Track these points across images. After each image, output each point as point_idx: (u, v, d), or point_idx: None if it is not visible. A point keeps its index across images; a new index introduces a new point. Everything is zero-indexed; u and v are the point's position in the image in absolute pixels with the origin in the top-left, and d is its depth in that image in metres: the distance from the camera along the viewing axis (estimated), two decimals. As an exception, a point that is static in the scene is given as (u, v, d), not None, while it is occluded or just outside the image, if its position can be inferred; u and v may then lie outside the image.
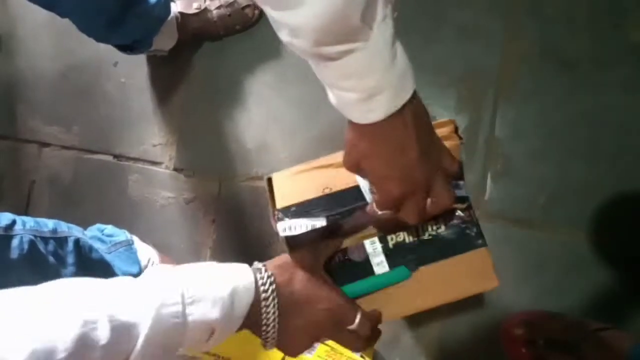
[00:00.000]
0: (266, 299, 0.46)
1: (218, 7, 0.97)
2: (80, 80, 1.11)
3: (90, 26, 0.89)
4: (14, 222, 0.73)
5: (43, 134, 1.12)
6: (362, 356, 0.79)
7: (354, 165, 0.50)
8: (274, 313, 0.47)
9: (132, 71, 1.06)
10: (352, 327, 0.50)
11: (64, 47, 1.12)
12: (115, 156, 1.07)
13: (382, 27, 0.41)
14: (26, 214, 1.12)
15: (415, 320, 0.89)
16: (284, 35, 0.41)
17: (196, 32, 0.98)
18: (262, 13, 0.97)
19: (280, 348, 0.50)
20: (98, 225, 0.94)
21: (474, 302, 0.86)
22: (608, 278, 0.83)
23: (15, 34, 1.16)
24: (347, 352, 0.77)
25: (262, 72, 0.98)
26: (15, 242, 0.71)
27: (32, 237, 0.74)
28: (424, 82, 0.91)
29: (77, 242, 0.81)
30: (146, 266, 0.93)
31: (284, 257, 0.52)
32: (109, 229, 0.93)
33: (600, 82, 0.85)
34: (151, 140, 1.04)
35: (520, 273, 0.86)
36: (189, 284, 0.43)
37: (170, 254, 0.99)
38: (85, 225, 0.98)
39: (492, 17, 0.90)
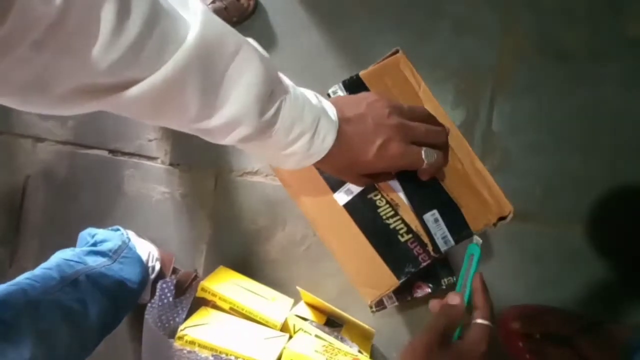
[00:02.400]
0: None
1: (213, 2, 0.96)
2: (75, 74, 1.10)
3: None
4: (25, 291, 0.71)
5: (38, 129, 1.11)
6: (359, 351, 0.79)
7: (362, 179, 0.57)
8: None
9: (127, 65, 1.05)
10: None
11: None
12: (110, 151, 1.06)
13: (283, 76, 0.48)
14: (21, 209, 1.11)
15: (413, 316, 0.89)
16: (232, 137, 0.46)
17: None
18: (257, 3, 0.97)
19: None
20: (89, 230, 0.93)
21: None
22: (604, 271, 0.83)
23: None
24: (345, 348, 0.77)
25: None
26: (43, 311, 0.71)
27: (52, 297, 0.73)
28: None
29: (87, 277, 0.80)
30: (147, 261, 0.92)
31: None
32: (101, 233, 0.92)
33: (598, 76, 0.85)
34: (147, 135, 1.04)
35: (517, 266, 0.86)
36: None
37: (167, 249, 0.99)
38: (80, 221, 0.98)
39: (489, 10, 0.89)
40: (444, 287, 0.83)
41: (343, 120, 0.51)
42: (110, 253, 0.87)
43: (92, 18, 0.33)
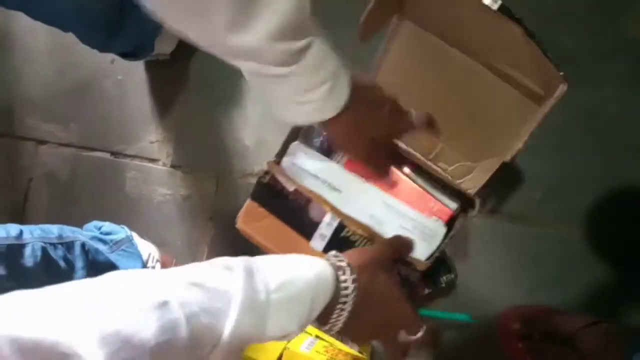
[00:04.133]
0: (344, 302, 0.45)
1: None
2: (77, 77, 1.10)
3: (92, 37, 0.91)
4: (21, 232, 0.76)
5: (40, 132, 1.12)
6: (360, 352, 0.79)
7: (366, 149, 0.56)
8: (348, 312, 0.46)
9: (129, 68, 1.06)
10: (414, 337, 0.52)
11: (61, 43, 1.11)
12: (112, 153, 1.07)
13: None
14: (24, 211, 1.12)
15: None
16: (255, 60, 0.45)
17: None
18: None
19: (341, 334, 0.49)
20: (95, 223, 0.94)
21: (471, 297, 0.87)
22: (604, 272, 0.83)
23: (12, 30, 1.16)
24: (345, 348, 0.78)
25: (259, 68, 0.97)
26: (28, 251, 0.74)
27: (43, 244, 0.76)
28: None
29: (83, 246, 0.83)
30: (147, 261, 0.93)
31: (368, 253, 0.51)
32: (107, 226, 0.94)
33: (597, 77, 0.85)
34: (148, 137, 1.04)
35: (516, 268, 0.86)
36: (271, 272, 0.42)
37: (168, 251, 0.99)
38: (82, 223, 0.98)
39: (489, 13, 0.89)
40: (443, 285, 0.83)
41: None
42: (111, 243, 0.89)
43: None
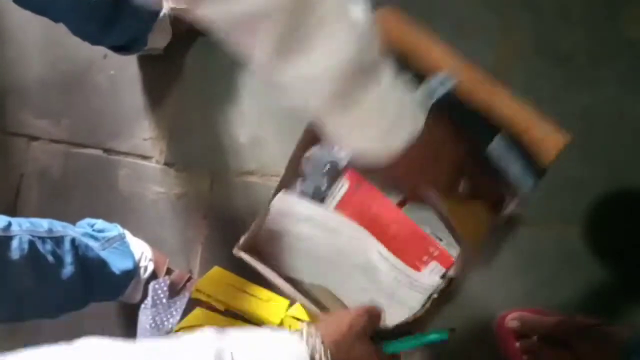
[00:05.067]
0: None
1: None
2: (70, 72, 1.09)
3: (84, 29, 0.89)
4: (9, 224, 0.74)
5: (32, 127, 1.11)
6: None
7: (417, 189, 0.54)
8: None
9: (123, 64, 1.05)
10: None
11: (53, 38, 1.10)
12: (105, 150, 1.05)
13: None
14: (15, 208, 1.10)
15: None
16: (303, 95, 0.42)
17: (190, 26, 0.97)
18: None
19: None
20: (87, 220, 0.93)
21: (468, 298, 0.86)
22: (602, 272, 0.83)
23: (4, 24, 1.14)
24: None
25: (255, 65, 0.96)
26: (15, 243, 0.72)
27: (31, 237, 0.75)
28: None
29: (72, 241, 0.81)
30: (139, 260, 0.92)
31: (345, 325, 0.50)
32: (99, 223, 0.92)
33: (596, 77, 0.85)
34: (141, 134, 1.03)
35: (514, 268, 0.85)
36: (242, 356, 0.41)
37: (161, 250, 0.98)
38: (74, 220, 0.97)
39: (487, 11, 0.89)
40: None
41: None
42: (103, 240, 0.88)
43: None
